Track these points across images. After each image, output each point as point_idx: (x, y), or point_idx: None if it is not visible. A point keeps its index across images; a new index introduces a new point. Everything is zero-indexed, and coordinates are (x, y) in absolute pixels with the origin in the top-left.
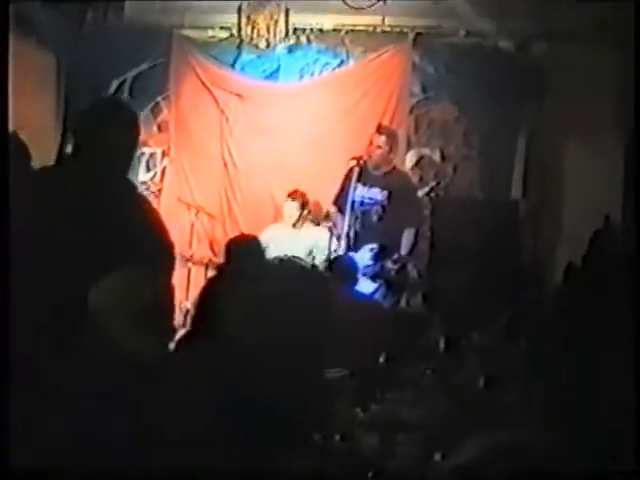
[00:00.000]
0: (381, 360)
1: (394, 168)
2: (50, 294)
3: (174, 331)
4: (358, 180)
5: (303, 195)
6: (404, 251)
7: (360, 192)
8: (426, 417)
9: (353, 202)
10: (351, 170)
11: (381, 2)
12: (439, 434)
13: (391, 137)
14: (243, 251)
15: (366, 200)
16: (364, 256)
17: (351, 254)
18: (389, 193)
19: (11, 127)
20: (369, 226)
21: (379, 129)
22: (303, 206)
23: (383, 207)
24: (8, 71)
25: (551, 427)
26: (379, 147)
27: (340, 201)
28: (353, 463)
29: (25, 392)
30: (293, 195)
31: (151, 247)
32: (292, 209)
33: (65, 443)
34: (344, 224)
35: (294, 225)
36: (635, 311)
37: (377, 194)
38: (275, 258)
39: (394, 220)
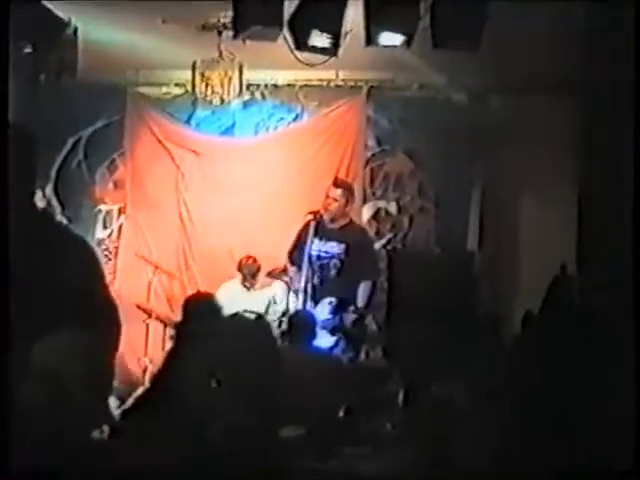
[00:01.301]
0: (340, 414)
1: (350, 221)
2: None
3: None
4: (315, 234)
5: (255, 260)
6: (361, 303)
7: (317, 246)
8: (385, 471)
9: (310, 256)
10: (307, 224)
11: (334, 57)
12: None
13: (347, 190)
14: (200, 309)
15: (323, 254)
16: (323, 310)
17: (309, 308)
18: (346, 246)
19: None
20: (327, 280)
21: (335, 182)
22: (254, 275)
23: (341, 260)
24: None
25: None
26: (335, 200)
27: (295, 255)
28: None
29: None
30: (244, 262)
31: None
32: (249, 269)
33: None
34: (301, 278)
35: (248, 288)
36: (602, 351)
37: (334, 247)
38: (230, 315)
39: (352, 273)
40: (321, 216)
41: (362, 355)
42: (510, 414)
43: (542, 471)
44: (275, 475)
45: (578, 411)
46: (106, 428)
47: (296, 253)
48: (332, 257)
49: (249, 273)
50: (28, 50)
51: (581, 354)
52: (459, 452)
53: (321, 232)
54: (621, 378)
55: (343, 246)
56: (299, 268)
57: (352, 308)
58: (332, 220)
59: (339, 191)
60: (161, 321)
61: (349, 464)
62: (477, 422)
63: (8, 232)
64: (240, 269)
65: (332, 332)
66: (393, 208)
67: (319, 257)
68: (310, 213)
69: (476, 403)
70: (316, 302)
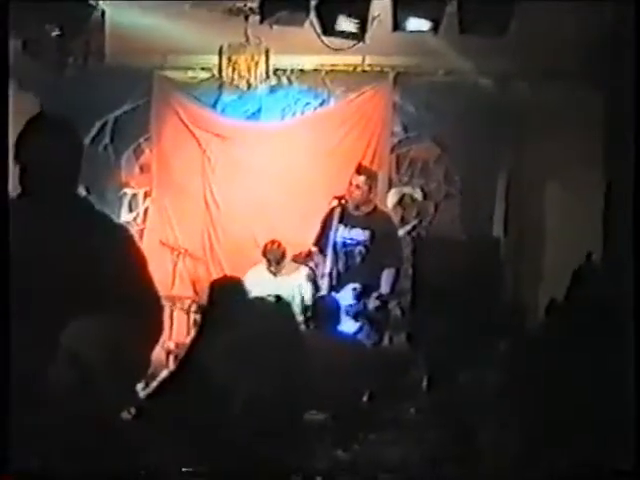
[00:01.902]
0: (364, 399)
1: (375, 208)
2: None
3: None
4: (340, 221)
5: (279, 245)
6: (384, 290)
7: (342, 233)
8: (408, 457)
9: (335, 243)
10: (332, 211)
11: (361, 42)
12: (422, 474)
13: (370, 177)
14: (226, 293)
15: (348, 241)
16: (347, 296)
17: (333, 294)
18: (371, 233)
19: None
20: (352, 266)
21: (358, 169)
22: (279, 261)
23: (366, 247)
24: (8, 74)
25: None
26: (358, 187)
27: (321, 242)
28: None
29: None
30: (269, 247)
31: (134, 291)
32: (274, 253)
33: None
34: (326, 265)
35: (274, 274)
36: (622, 344)
37: (359, 234)
38: (255, 299)
39: (376, 260)
40: (346, 202)
41: (386, 341)
42: (533, 402)
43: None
44: (298, 459)
45: (593, 403)
46: (132, 410)
47: (322, 239)
48: (357, 244)
49: (274, 258)
50: (56, 33)
51: (601, 345)
52: (482, 438)
53: (346, 219)
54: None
55: (368, 233)
56: (324, 254)
57: (375, 294)
58: (357, 207)
59: (362, 178)
60: (185, 305)
61: (372, 450)
62: (501, 409)
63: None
64: (265, 254)
65: (355, 318)
66: (419, 194)
67: (344, 244)
68: (335, 198)
69: (500, 390)
70: (340, 288)
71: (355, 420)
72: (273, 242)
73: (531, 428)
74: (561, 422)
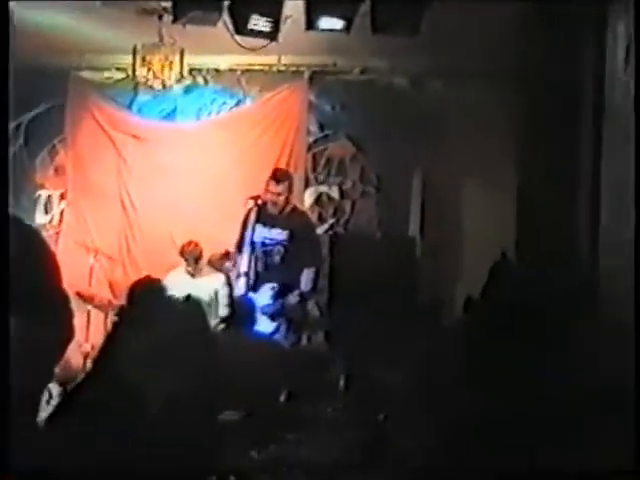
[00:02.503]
0: (281, 399)
1: (294, 208)
2: None
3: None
4: (257, 221)
5: (197, 245)
6: (305, 288)
7: (261, 233)
8: (325, 456)
9: (253, 243)
10: (250, 211)
11: (275, 42)
12: (339, 473)
13: (287, 181)
14: (144, 294)
15: (267, 240)
16: (265, 295)
17: (251, 294)
18: (290, 233)
19: None
20: (270, 266)
21: (275, 176)
22: (196, 260)
23: (285, 247)
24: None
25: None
26: (279, 195)
27: (240, 242)
28: None
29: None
30: (186, 248)
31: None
32: (190, 253)
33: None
34: (242, 265)
35: (192, 275)
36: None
37: (278, 234)
38: (172, 300)
39: (295, 260)
40: (264, 203)
41: (304, 340)
42: (450, 398)
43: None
44: (213, 459)
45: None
46: (44, 414)
47: (241, 240)
48: (276, 243)
49: (191, 258)
50: None
51: (521, 339)
52: (400, 437)
53: (265, 219)
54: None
55: (287, 233)
56: (242, 255)
57: (295, 293)
58: (275, 208)
59: (281, 187)
60: (102, 307)
61: (289, 449)
62: (418, 407)
63: None
64: (182, 254)
65: (273, 317)
66: (335, 193)
67: (263, 244)
68: (251, 198)
69: (418, 388)
70: (258, 288)
71: (271, 420)
72: (190, 242)
73: (449, 426)
74: (478, 415)
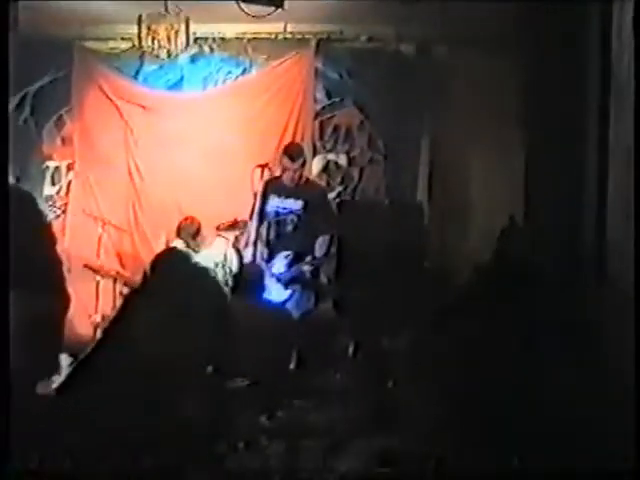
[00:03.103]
0: (291, 367)
1: (307, 179)
2: None
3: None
4: (272, 191)
5: (192, 220)
6: (319, 254)
7: (274, 202)
8: (333, 423)
9: (265, 212)
10: (268, 183)
11: (280, 9)
12: (347, 439)
13: (300, 155)
14: (152, 266)
15: (281, 210)
16: (279, 263)
17: (260, 262)
18: (304, 203)
19: None
20: (284, 235)
21: (289, 152)
22: (194, 236)
23: (298, 216)
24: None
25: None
26: (295, 172)
27: (251, 212)
28: (259, 471)
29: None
30: (182, 224)
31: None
32: (182, 244)
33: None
34: (251, 233)
35: (194, 251)
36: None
37: (292, 204)
38: (178, 270)
39: (309, 229)
40: (273, 175)
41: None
42: (457, 365)
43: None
44: (223, 426)
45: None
46: (55, 381)
47: (253, 209)
48: (290, 212)
49: (188, 235)
50: None
51: (528, 306)
52: (408, 402)
53: (279, 189)
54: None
55: (300, 202)
56: (251, 223)
57: (308, 259)
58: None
59: (296, 164)
60: (111, 277)
61: (298, 416)
62: (426, 373)
63: None
64: (179, 234)
65: (287, 285)
66: (343, 160)
67: (277, 213)
68: (259, 166)
69: (425, 354)
70: (272, 256)
71: (281, 387)
72: (185, 219)
73: (452, 394)
74: (485, 382)
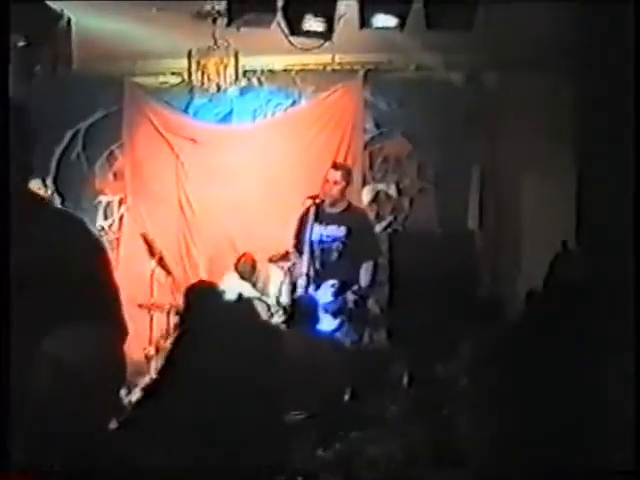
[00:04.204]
0: (345, 398)
1: (349, 205)
2: None
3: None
4: (316, 219)
5: (247, 257)
6: (363, 284)
7: (318, 230)
8: (390, 453)
9: (312, 241)
10: (307, 210)
11: (329, 41)
12: (404, 471)
13: (347, 173)
14: (203, 297)
15: (325, 238)
16: (325, 293)
17: (311, 293)
18: (347, 229)
19: None
20: (329, 263)
21: (335, 165)
22: (251, 272)
23: (343, 243)
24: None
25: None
26: (336, 183)
27: (298, 242)
28: None
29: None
30: (240, 263)
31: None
32: (236, 279)
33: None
34: (303, 264)
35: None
36: (603, 332)
37: (335, 231)
38: (233, 301)
39: (353, 256)
40: (322, 201)
41: (366, 338)
42: (512, 397)
43: (541, 471)
44: (280, 460)
45: (579, 400)
46: (115, 420)
47: (299, 239)
48: (334, 240)
49: (245, 271)
50: (22, 43)
51: (583, 334)
52: (464, 434)
53: (322, 217)
54: (621, 364)
55: (344, 229)
56: (301, 254)
57: (354, 289)
58: (332, 204)
59: (339, 174)
60: (164, 310)
61: (354, 448)
62: (481, 404)
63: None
64: (237, 270)
65: (335, 315)
66: (393, 190)
67: (321, 241)
68: (309, 198)
69: (479, 384)
70: (318, 286)
71: (336, 419)
72: (241, 256)
73: (514, 423)
74: (545, 416)
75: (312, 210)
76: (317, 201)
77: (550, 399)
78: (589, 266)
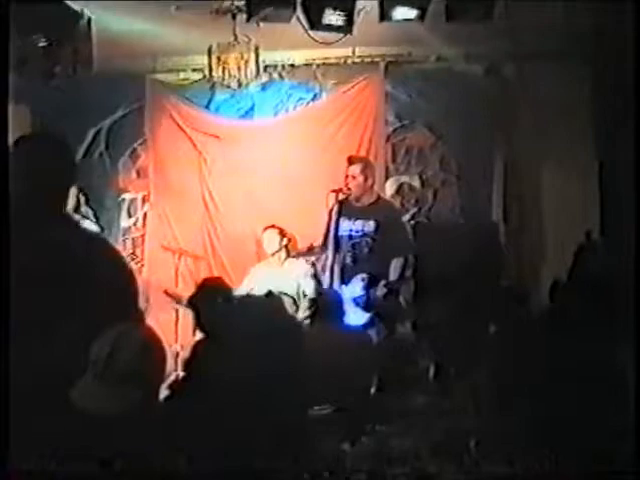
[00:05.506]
0: (372, 391)
1: (378, 198)
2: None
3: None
4: (343, 214)
5: (280, 228)
6: (393, 277)
7: (347, 225)
8: (417, 447)
9: (337, 236)
10: (334, 206)
11: (349, 35)
12: (432, 464)
13: (364, 165)
14: (223, 292)
15: (354, 233)
16: (356, 287)
17: (340, 287)
18: (376, 223)
19: None
20: (359, 257)
21: (350, 160)
22: (282, 234)
23: (372, 238)
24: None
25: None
26: (354, 178)
27: (326, 236)
28: None
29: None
30: (271, 227)
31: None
32: (270, 238)
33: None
34: (328, 258)
35: (274, 254)
36: (626, 321)
37: (364, 226)
38: (259, 296)
39: (384, 250)
40: (347, 195)
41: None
42: (541, 387)
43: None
44: (306, 455)
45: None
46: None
47: (326, 234)
48: (363, 235)
49: (276, 234)
50: (43, 44)
51: (606, 325)
52: (490, 425)
53: (349, 211)
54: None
55: (373, 223)
56: (326, 248)
57: (384, 282)
58: (358, 198)
59: (355, 168)
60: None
61: (381, 441)
62: (507, 395)
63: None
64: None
65: (365, 308)
66: (416, 182)
67: (350, 236)
68: (332, 192)
69: (506, 375)
70: (349, 280)
71: (363, 412)
72: (273, 225)
73: (539, 414)
74: (564, 413)
75: (336, 205)
76: (341, 197)
77: (566, 392)
78: (614, 257)
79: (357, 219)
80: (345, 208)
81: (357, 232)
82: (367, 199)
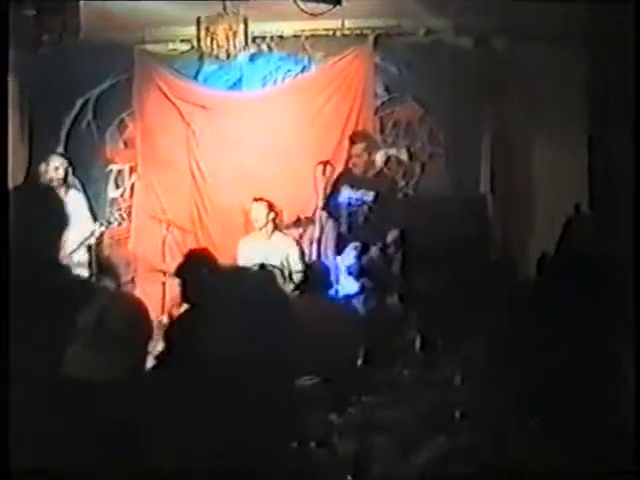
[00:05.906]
0: (359, 362)
1: (381, 170)
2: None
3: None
4: (344, 183)
5: (268, 201)
6: (388, 248)
7: (347, 193)
8: (403, 418)
9: (338, 204)
10: (339, 175)
11: (338, 6)
12: (417, 434)
13: (367, 141)
14: (213, 263)
15: (353, 201)
16: (348, 255)
17: (325, 258)
18: (376, 194)
19: None
20: (355, 227)
21: (352, 138)
22: (270, 208)
23: (370, 208)
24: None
25: (546, 426)
26: (358, 156)
27: (327, 205)
28: (330, 468)
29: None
30: (259, 199)
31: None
32: (258, 211)
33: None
34: (316, 230)
35: (261, 229)
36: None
37: (364, 195)
38: (243, 268)
39: (379, 220)
40: (349, 167)
41: (378, 302)
42: (525, 361)
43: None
44: (293, 426)
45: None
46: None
47: (328, 202)
48: (362, 204)
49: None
50: (31, 13)
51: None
52: (475, 398)
53: (351, 180)
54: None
55: (372, 193)
56: (331, 217)
57: (376, 251)
58: (363, 173)
59: (360, 146)
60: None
61: (367, 412)
62: (494, 368)
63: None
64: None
65: (357, 277)
66: (404, 155)
67: (349, 204)
68: (320, 164)
69: (493, 348)
70: (343, 248)
71: (349, 384)
72: (261, 198)
73: (523, 386)
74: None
75: (334, 176)
76: (327, 167)
77: (551, 362)
78: (602, 229)
79: (358, 188)
80: (346, 177)
81: (357, 200)
82: (370, 171)
